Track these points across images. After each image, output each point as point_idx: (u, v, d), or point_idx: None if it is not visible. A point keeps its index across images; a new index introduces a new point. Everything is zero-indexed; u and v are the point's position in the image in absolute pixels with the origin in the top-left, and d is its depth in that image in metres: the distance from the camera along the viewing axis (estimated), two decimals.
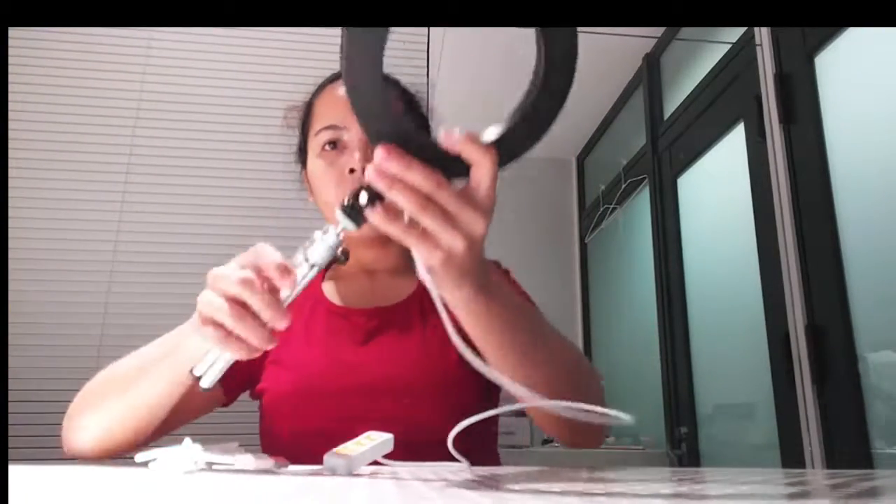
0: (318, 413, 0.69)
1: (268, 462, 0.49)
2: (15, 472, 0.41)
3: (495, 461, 0.78)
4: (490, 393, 0.76)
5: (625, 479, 0.41)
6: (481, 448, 0.73)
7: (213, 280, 0.48)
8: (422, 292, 0.81)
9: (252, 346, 0.46)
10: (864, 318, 1.35)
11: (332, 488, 0.35)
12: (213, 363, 0.49)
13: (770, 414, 1.64)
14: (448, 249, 0.42)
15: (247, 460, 0.49)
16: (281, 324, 0.46)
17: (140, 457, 0.49)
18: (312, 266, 0.46)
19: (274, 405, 0.73)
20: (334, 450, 0.48)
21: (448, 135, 0.40)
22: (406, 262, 0.85)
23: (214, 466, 0.49)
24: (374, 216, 0.41)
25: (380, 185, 0.40)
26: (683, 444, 2.08)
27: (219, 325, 0.46)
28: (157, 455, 0.48)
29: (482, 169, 0.41)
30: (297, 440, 0.67)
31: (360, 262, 0.83)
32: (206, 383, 0.49)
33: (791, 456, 1.53)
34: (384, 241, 0.79)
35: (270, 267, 0.46)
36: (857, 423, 1.33)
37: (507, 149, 0.44)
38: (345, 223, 0.43)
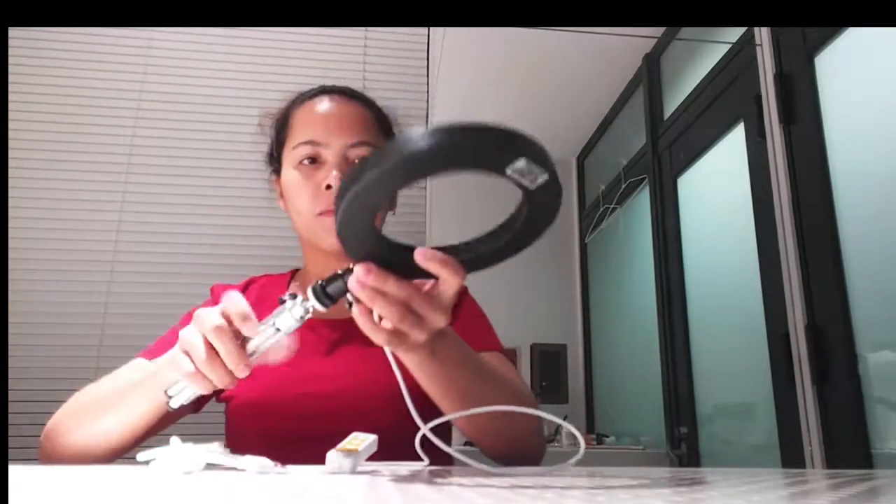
0: (281, 419, 0.72)
1: (267, 464, 0.49)
2: (15, 472, 0.41)
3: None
4: None
5: (625, 480, 0.41)
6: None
7: (195, 320, 0.52)
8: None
9: (213, 384, 0.52)
10: (864, 318, 1.35)
11: (331, 488, 0.35)
12: (183, 389, 0.55)
13: (770, 414, 1.64)
14: (413, 342, 0.50)
15: (247, 461, 0.49)
16: (241, 373, 0.51)
17: (141, 456, 0.49)
18: (277, 331, 0.52)
19: (239, 411, 0.76)
20: (337, 447, 0.50)
21: (422, 254, 0.45)
22: None
23: (211, 466, 0.49)
24: (357, 316, 0.48)
25: (362, 297, 0.46)
26: (683, 444, 2.08)
27: (191, 361, 0.52)
28: (157, 455, 0.48)
29: (450, 285, 0.47)
30: (261, 445, 0.68)
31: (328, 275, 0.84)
32: (174, 404, 0.56)
33: (791, 456, 1.53)
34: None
35: (235, 315, 0.51)
36: (857, 423, 1.33)
37: (478, 262, 0.49)
38: (314, 302, 0.50)
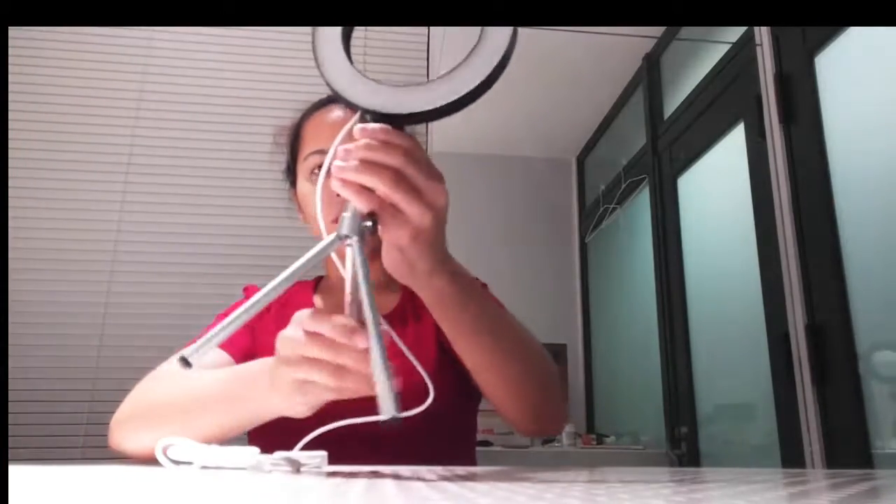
0: (295, 424, 0.71)
1: (262, 459, 0.49)
2: (15, 472, 0.41)
3: (471, 462, 0.80)
4: (470, 402, 0.79)
5: (625, 479, 0.41)
6: (456, 449, 0.76)
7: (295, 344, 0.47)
8: (405, 306, 0.83)
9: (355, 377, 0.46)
10: (864, 318, 1.35)
11: (331, 488, 0.35)
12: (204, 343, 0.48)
13: (770, 414, 1.64)
14: (417, 224, 0.45)
15: (237, 456, 0.49)
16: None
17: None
18: (347, 238, 0.45)
19: None
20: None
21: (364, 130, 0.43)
22: (390, 278, 0.86)
23: (203, 464, 0.49)
24: (339, 188, 0.43)
25: (356, 155, 0.43)
26: (683, 444, 2.08)
27: (319, 362, 0.46)
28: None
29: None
30: (282, 441, 0.68)
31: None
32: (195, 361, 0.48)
33: (791, 456, 1.53)
34: (371, 256, 0.81)
35: (339, 332, 0.46)
36: (857, 423, 1.33)
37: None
38: (347, 225, 0.45)
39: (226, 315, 0.80)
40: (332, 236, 0.45)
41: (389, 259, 0.48)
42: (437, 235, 0.47)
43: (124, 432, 0.64)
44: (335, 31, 0.48)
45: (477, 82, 0.45)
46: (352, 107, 0.47)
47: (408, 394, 0.74)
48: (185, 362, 0.40)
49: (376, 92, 0.46)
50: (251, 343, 0.79)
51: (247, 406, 0.55)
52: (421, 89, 0.45)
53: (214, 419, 0.57)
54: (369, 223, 0.45)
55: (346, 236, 0.45)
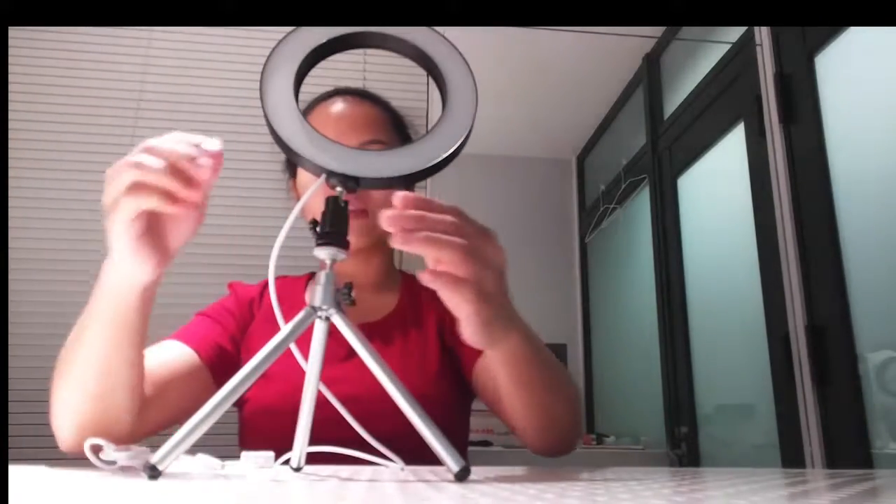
0: (294, 424, 0.70)
1: (215, 463, 0.49)
2: (15, 472, 0.41)
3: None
4: (465, 406, 0.81)
5: (625, 479, 0.41)
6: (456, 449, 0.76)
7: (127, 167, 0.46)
8: (405, 307, 0.83)
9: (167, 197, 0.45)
10: (864, 318, 1.35)
11: (331, 488, 0.35)
12: None
13: (770, 414, 1.64)
14: (483, 286, 0.43)
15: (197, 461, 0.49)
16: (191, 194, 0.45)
17: (105, 456, 0.48)
18: (320, 310, 0.44)
19: (253, 415, 0.75)
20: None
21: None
22: (387, 277, 0.87)
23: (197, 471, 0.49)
24: (426, 279, 0.42)
25: (405, 227, 0.41)
26: (683, 444, 2.08)
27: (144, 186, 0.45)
28: (121, 458, 0.47)
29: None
30: (274, 450, 0.68)
31: (343, 276, 0.84)
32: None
33: (791, 456, 1.53)
34: (367, 254, 0.81)
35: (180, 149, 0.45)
36: (857, 423, 1.33)
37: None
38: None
39: (207, 314, 0.79)
40: (306, 310, 0.43)
41: (468, 325, 0.45)
42: (503, 295, 0.47)
43: (52, 409, 0.59)
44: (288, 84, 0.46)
45: (443, 155, 0.45)
46: (316, 171, 0.45)
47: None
48: (154, 470, 0.36)
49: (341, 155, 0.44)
50: (224, 337, 0.77)
51: (101, 293, 0.53)
52: (389, 154, 0.45)
53: (92, 333, 0.55)
54: (346, 291, 0.43)
55: (320, 308, 0.42)
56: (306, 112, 0.85)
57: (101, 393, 0.56)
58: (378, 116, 0.83)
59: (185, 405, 0.67)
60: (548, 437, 0.65)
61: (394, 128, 0.85)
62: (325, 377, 0.72)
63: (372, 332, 0.79)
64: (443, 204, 0.43)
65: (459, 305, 0.43)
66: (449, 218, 0.42)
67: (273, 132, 0.44)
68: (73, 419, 0.57)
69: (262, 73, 0.45)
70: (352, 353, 0.76)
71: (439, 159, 0.45)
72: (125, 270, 0.51)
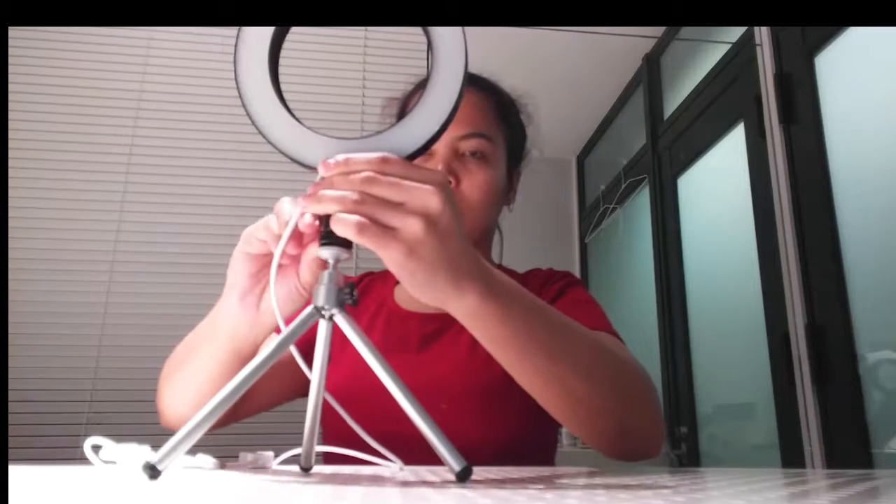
0: (361, 413, 0.68)
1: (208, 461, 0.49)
2: (15, 472, 0.42)
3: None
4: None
5: (624, 480, 0.41)
6: (535, 455, 0.72)
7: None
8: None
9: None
10: (864, 318, 1.36)
11: (331, 488, 0.35)
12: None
13: (770, 414, 1.64)
14: (407, 237, 0.39)
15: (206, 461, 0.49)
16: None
17: (104, 455, 0.49)
18: (324, 310, 0.43)
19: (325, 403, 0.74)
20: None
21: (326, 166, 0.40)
22: None
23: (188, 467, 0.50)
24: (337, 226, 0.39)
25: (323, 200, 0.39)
26: (683, 444, 2.08)
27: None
28: (118, 456, 0.48)
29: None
30: (334, 441, 0.67)
31: None
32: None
33: (791, 456, 1.53)
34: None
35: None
36: (857, 423, 1.33)
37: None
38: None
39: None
40: (309, 309, 0.41)
41: (407, 286, 0.42)
42: (442, 245, 0.40)
43: (162, 389, 0.64)
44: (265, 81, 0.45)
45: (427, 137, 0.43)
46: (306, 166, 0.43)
47: (470, 394, 0.71)
48: (154, 470, 0.36)
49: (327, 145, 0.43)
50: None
51: (216, 321, 0.53)
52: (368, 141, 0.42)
53: (204, 352, 0.56)
54: (349, 290, 0.41)
55: (323, 308, 0.41)
56: (411, 93, 0.83)
57: (214, 391, 0.59)
58: (482, 105, 0.78)
59: (285, 391, 0.71)
60: (584, 423, 0.54)
61: (499, 117, 0.80)
62: (396, 365, 0.66)
63: (445, 321, 0.74)
64: (365, 158, 0.39)
65: (388, 261, 0.40)
66: (361, 175, 0.39)
67: (251, 121, 0.44)
68: (190, 406, 0.60)
69: (235, 70, 0.45)
70: (422, 342, 0.75)
71: (419, 146, 0.42)
72: (228, 306, 0.52)
